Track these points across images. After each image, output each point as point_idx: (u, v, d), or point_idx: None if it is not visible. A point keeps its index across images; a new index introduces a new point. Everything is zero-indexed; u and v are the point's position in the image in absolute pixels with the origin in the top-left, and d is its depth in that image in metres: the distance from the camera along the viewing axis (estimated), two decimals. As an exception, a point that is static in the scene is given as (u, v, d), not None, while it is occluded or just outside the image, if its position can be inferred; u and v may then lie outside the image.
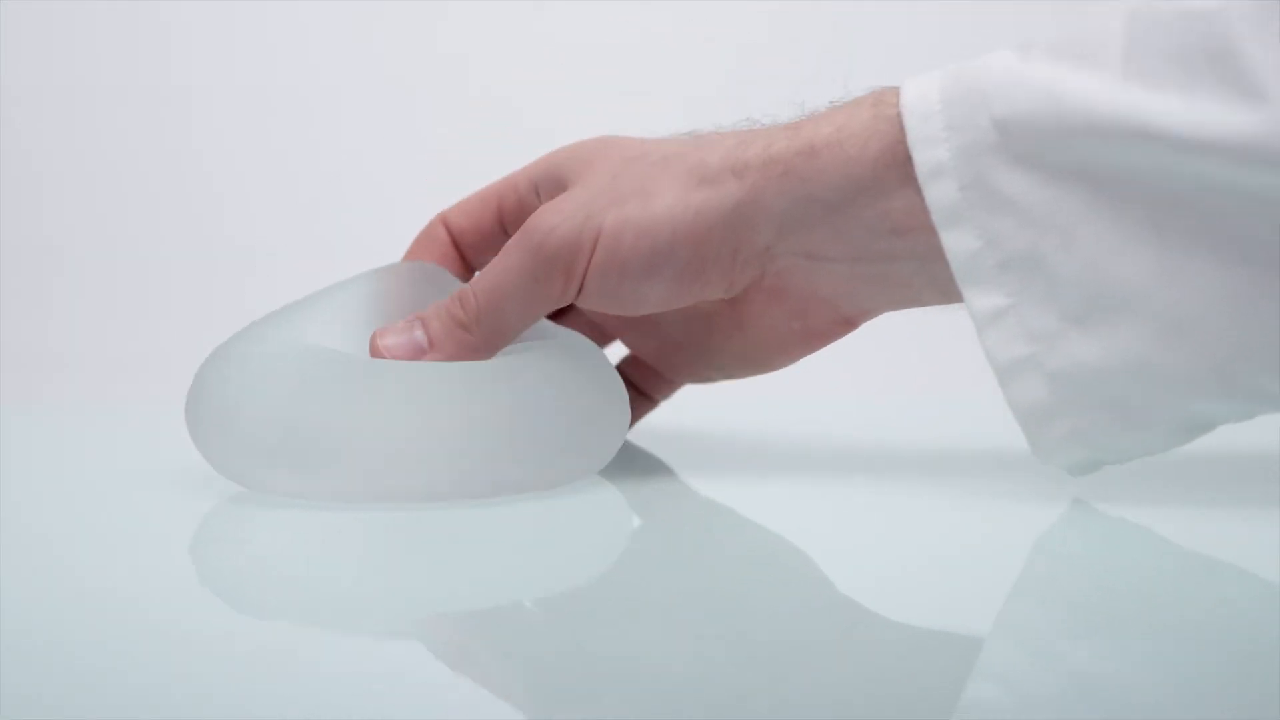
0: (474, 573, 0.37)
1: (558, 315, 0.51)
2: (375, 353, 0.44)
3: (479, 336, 0.44)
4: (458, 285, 0.46)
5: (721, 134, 0.45)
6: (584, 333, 0.52)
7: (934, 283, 0.43)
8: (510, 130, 0.92)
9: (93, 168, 0.93)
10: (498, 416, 0.42)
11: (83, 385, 0.75)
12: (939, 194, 0.41)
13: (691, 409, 0.55)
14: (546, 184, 0.47)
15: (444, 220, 0.50)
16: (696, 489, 0.48)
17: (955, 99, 0.41)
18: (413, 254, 0.50)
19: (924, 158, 0.41)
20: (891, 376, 0.77)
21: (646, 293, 0.44)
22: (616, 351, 0.53)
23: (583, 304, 0.44)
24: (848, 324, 0.46)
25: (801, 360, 0.48)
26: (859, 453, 0.53)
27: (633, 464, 0.50)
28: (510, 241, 0.44)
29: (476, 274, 0.45)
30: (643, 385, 0.52)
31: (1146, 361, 0.39)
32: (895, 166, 0.41)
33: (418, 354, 0.44)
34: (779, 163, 0.43)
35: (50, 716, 0.27)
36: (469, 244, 0.49)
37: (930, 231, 0.41)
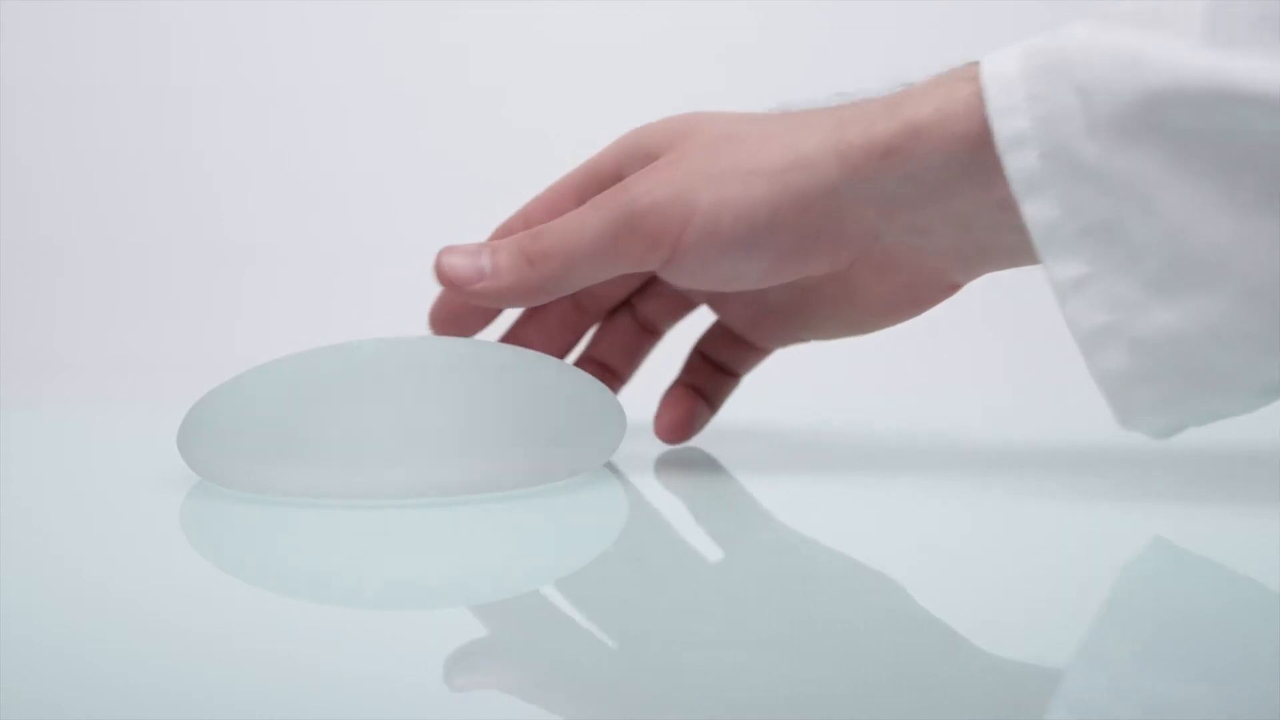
0: (471, 570, 0.37)
1: (639, 280, 0.50)
2: (436, 266, 0.43)
3: (540, 275, 0.43)
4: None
5: (818, 113, 0.44)
6: (668, 300, 0.51)
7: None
8: (510, 130, 0.92)
9: (93, 168, 0.93)
10: (487, 411, 0.42)
11: (83, 385, 0.75)
12: (1018, 163, 0.40)
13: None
14: (633, 159, 0.47)
15: (523, 215, 0.49)
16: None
17: (1036, 70, 0.40)
18: None
19: (1003, 127, 0.40)
20: (920, 371, 0.77)
21: (745, 271, 0.44)
22: (698, 326, 0.53)
23: (672, 277, 0.44)
24: (952, 288, 0.46)
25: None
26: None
27: (635, 459, 0.50)
28: (599, 197, 0.44)
29: (561, 217, 0.45)
30: (726, 360, 0.52)
31: (1227, 327, 0.39)
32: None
33: (476, 278, 0.44)
34: (881, 144, 0.42)
35: (50, 716, 0.27)
36: None
37: None
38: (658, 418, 0.52)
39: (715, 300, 0.51)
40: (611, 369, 0.53)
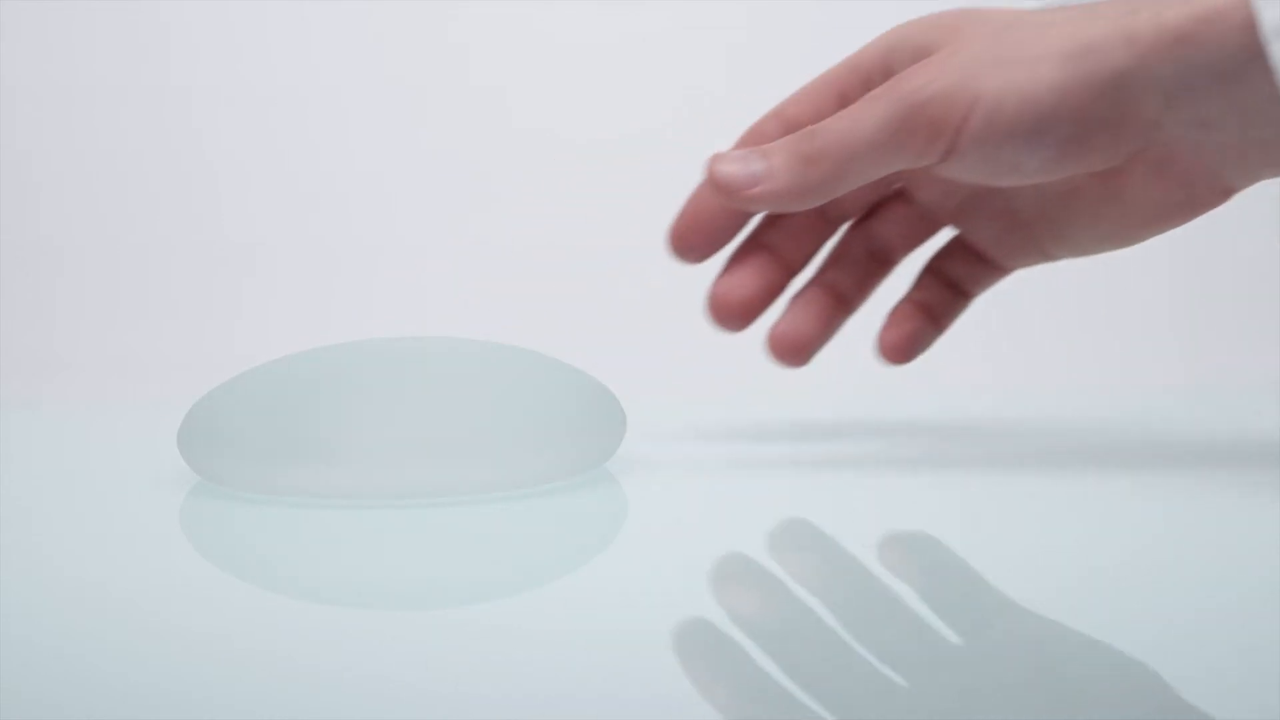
0: (470, 571, 0.37)
1: (883, 190, 0.50)
2: (709, 175, 0.43)
3: (818, 175, 0.43)
4: None
5: (1103, 3, 0.44)
6: (909, 223, 0.50)
7: None
8: (511, 130, 0.92)
9: (93, 168, 0.93)
10: (487, 411, 0.42)
11: (83, 385, 0.75)
12: None
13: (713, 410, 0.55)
14: (901, 54, 0.46)
15: (778, 114, 0.49)
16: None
17: None
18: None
19: (1271, 16, 0.40)
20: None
21: (1025, 162, 0.43)
22: (925, 255, 0.51)
23: (950, 170, 0.43)
24: (1226, 193, 0.45)
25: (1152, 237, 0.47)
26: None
27: (635, 460, 0.50)
28: (874, 91, 0.43)
29: (834, 115, 0.44)
30: (962, 279, 0.51)
31: None
32: None
33: (751, 183, 0.43)
34: (1171, 30, 0.41)
35: (50, 716, 0.27)
36: None
37: None
38: (882, 335, 0.51)
39: (963, 214, 0.50)
40: (843, 296, 0.51)
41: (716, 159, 0.44)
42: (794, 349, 0.50)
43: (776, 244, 0.50)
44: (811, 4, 0.93)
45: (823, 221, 0.51)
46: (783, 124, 0.48)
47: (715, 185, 0.45)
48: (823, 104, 0.48)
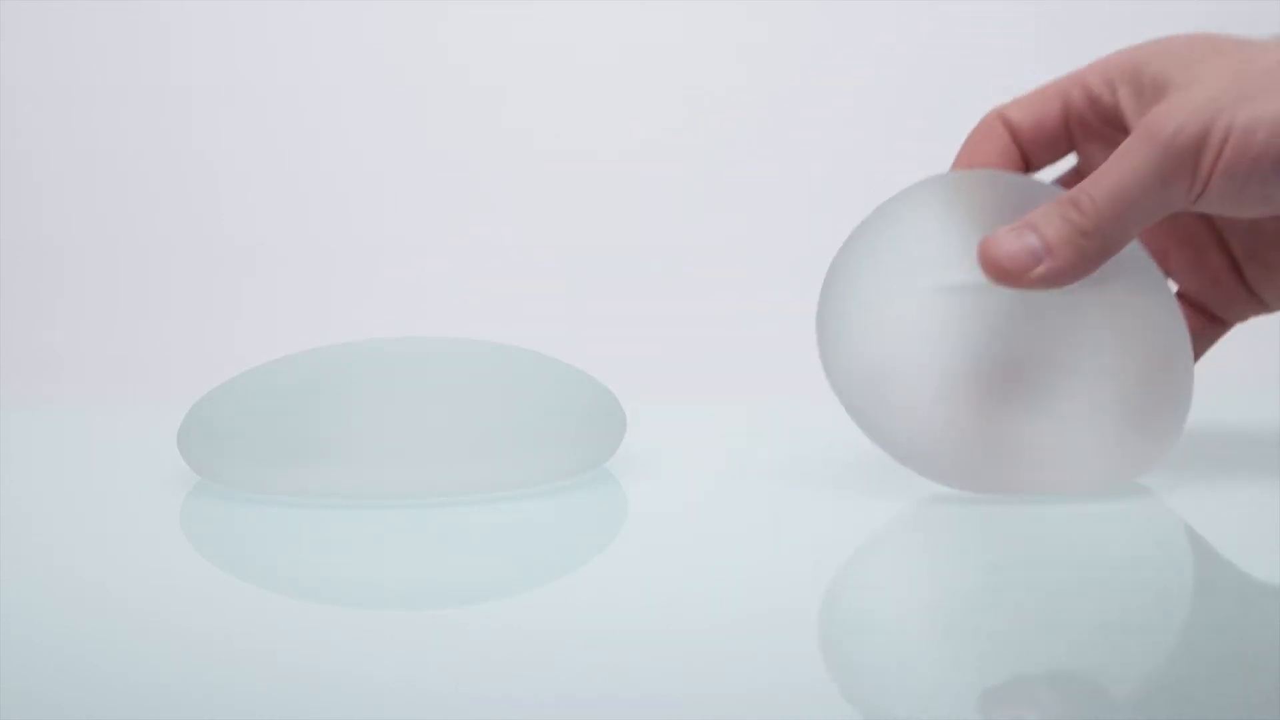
0: (470, 571, 0.37)
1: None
2: (988, 259, 0.43)
3: (1098, 243, 0.43)
4: (1045, 192, 0.44)
5: None
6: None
7: None
8: (510, 131, 0.92)
9: (93, 168, 0.93)
10: (488, 411, 0.43)
11: (83, 385, 0.75)
12: None
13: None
14: (1128, 81, 0.46)
15: (1001, 116, 0.48)
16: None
17: None
18: (969, 150, 0.48)
19: None
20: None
21: (1273, 193, 0.43)
22: None
23: (1200, 206, 0.43)
24: None
25: None
26: None
27: (635, 460, 0.50)
28: (1130, 142, 0.43)
29: (1088, 178, 0.43)
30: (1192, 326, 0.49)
31: None
32: None
33: (1033, 262, 0.43)
34: None
35: (50, 716, 0.27)
36: (1029, 140, 0.48)
37: None
38: None
39: (1182, 264, 0.49)
40: None
41: (989, 242, 0.43)
42: None
43: None
44: (812, 7, 0.93)
45: None
46: (1008, 128, 0.48)
47: (997, 269, 0.43)
48: (1045, 113, 0.47)
